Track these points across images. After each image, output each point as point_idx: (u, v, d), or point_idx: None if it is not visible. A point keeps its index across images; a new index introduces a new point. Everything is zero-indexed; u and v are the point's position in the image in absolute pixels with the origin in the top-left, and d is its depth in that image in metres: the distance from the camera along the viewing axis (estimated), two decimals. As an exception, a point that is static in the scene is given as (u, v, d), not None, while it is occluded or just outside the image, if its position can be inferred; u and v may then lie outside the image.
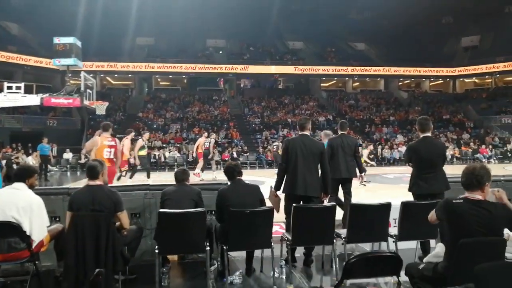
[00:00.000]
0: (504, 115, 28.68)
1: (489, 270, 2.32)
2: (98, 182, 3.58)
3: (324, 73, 34.27)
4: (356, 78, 36.14)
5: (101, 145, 6.39)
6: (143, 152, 11.77)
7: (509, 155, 22.98)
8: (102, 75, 32.92)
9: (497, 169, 16.42)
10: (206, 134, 15.41)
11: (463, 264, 2.63)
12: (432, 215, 3.04)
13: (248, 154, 21.85)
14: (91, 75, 17.21)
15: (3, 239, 3.35)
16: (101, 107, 14.43)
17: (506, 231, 2.91)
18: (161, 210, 3.76)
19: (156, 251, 3.67)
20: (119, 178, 10.39)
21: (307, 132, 4.72)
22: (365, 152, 12.72)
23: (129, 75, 33.80)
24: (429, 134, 4.75)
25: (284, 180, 4.55)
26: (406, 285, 3.14)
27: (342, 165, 5.72)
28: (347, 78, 36.15)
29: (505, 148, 23.80)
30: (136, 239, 4.04)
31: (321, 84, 36.23)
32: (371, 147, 14.23)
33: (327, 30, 35.58)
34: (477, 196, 2.78)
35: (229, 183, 4.22)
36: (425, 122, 4.79)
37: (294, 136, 4.82)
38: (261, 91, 34.65)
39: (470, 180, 2.80)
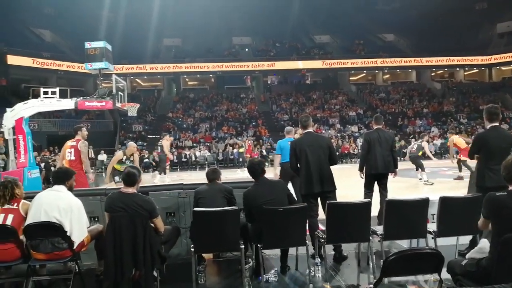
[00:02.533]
0: (545, 103, 27.32)
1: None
2: (130, 190, 3.59)
3: (352, 66, 33.72)
4: (386, 70, 35.35)
5: (65, 146, 6.43)
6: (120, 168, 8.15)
7: (552, 145, 21.85)
8: (132, 77, 33.72)
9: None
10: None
11: (508, 260, 2.51)
12: (481, 220, 2.94)
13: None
14: (122, 77, 17.59)
15: (47, 239, 3.48)
16: (132, 109, 14.73)
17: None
18: (195, 209, 3.80)
19: (192, 249, 3.71)
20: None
21: (310, 129, 4.77)
22: (425, 146, 12.01)
23: (158, 76, 34.46)
24: (497, 123, 4.49)
25: (301, 180, 4.55)
26: (448, 283, 3.02)
27: (379, 160, 5.60)
28: (377, 71, 35.41)
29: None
30: (173, 239, 4.11)
31: (350, 78, 35.67)
32: (426, 138, 13.22)
33: (354, 23, 34.95)
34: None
35: (253, 183, 4.21)
36: (495, 111, 4.52)
37: (300, 136, 4.80)
38: (288, 87, 34.49)
39: None
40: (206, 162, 20.48)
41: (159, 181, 14.09)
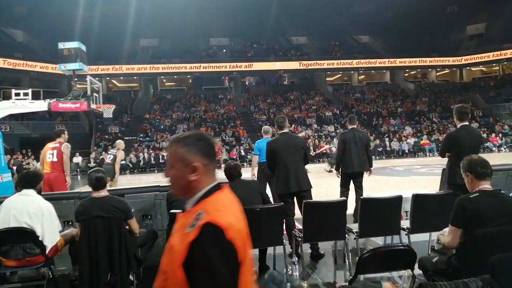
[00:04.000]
0: (512, 103, 28.37)
1: (505, 260, 2.29)
2: (103, 193, 3.51)
3: (329, 67, 34.15)
4: (361, 71, 35.96)
5: (45, 148, 6.37)
6: None
7: (520, 143, 22.72)
8: (107, 78, 33.17)
9: (508, 158, 16.23)
10: None
11: (479, 256, 2.60)
12: (453, 232, 2.72)
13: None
14: (97, 78, 17.29)
15: (18, 244, 3.39)
16: (108, 110, 14.52)
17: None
18: (171, 211, 3.77)
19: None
20: None
21: (286, 130, 4.83)
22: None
23: (134, 77, 33.99)
24: (467, 122, 4.64)
25: (275, 181, 4.60)
26: (421, 278, 3.10)
27: (355, 159, 5.70)
28: (352, 72, 35.98)
29: (515, 136, 23.53)
30: (150, 242, 4.06)
31: (327, 79, 36.09)
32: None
33: (331, 24, 35.40)
34: (488, 186, 2.75)
35: (228, 182, 4.22)
36: (465, 111, 4.67)
37: (276, 136, 4.86)
38: (266, 88, 34.63)
39: (486, 170, 2.76)
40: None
41: None
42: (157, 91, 34.54)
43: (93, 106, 13.67)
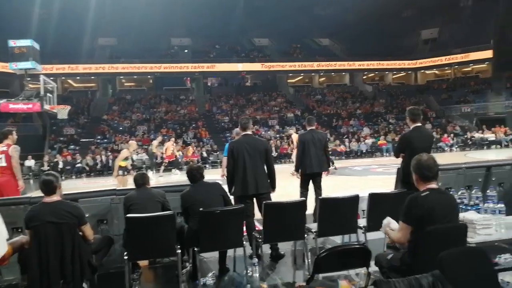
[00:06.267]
0: (463, 105, 29.91)
1: (452, 256, 2.39)
2: (54, 197, 3.35)
3: (290, 69, 34.57)
4: (322, 73, 36.66)
5: None
6: (124, 164, 9.40)
7: (470, 143, 23.97)
8: (63, 78, 31.89)
9: (458, 157, 17.12)
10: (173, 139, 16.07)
11: (429, 252, 2.70)
12: (404, 229, 2.84)
13: (218, 153, 21.73)
14: (51, 78, 16.57)
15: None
16: (62, 111, 14.01)
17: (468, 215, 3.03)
18: (128, 215, 3.67)
19: (125, 257, 3.58)
20: None
21: (249, 132, 4.80)
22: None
23: (92, 77, 32.88)
24: (419, 124, 4.80)
25: (234, 182, 4.59)
26: (377, 275, 3.19)
27: (314, 160, 5.79)
28: (313, 74, 36.62)
29: (465, 136, 24.81)
30: (105, 248, 3.92)
31: (288, 80, 36.51)
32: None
33: (292, 27, 35.85)
34: (434, 185, 2.86)
35: (190, 185, 4.19)
36: (417, 112, 4.84)
37: (237, 138, 4.86)
38: (228, 89, 34.56)
39: (433, 171, 2.87)
40: (144, 166, 19.86)
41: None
42: (116, 92, 33.57)
43: (47, 106, 13.13)
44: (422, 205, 2.75)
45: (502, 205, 3.19)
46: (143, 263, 4.43)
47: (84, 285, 3.39)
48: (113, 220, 4.49)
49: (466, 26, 33.68)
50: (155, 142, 16.14)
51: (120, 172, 9.14)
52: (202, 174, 4.19)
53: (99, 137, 23.90)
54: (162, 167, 16.68)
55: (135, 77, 34.53)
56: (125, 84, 35.88)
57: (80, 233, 3.43)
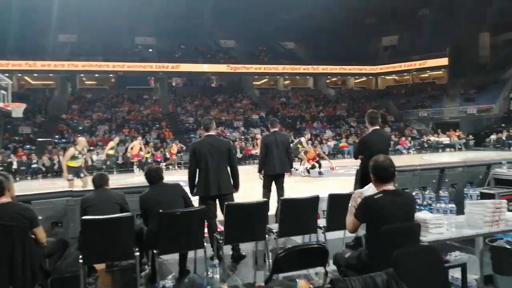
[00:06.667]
0: (421, 109, 31.19)
1: (405, 254, 2.48)
2: (4, 199, 3.19)
3: (256, 71, 34.72)
4: (287, 76, 37.07)
5: None
6: (74, 163, 8.69)
7: (426, 146, 25.00)
8: (19, 74, 30.45)
9: (415, 159, 17.81)
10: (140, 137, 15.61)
11: (384, 251, 2.79)
12: (354, 223, 2.97)
13: (182, 154, 21.47)
14: (6, 74, 15.82)
15: None
16: (17, 109, 13.39)
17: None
18: (84, 217, 3.54)
19: (81, 261, 3.45)
20: None
21: (212, 132, 4.79)
22: (303, 141, 13.43)
23: (50, 74, 31.60)
24: (378, 127, 4.92)
25: (196, 183, 4.56)
26: (335, 274, 3.25)
27: (277, 161, 5.84)
28: (278, 76, 36.96)
29: (422, 140, 25.86)
30: (59, 251, 3.77)
31: (254, 83, 36.67)
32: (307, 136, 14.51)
33: (258, 29, 36.05)
34: (391, 187, 2.95)
35: (149, 186, 4.12)
36: (375, 115, 4.96)
37: (199, 138, 4.84)
38: (194, 89, 34.23)
39: (389, 172, 2.96)
40: (104, 167, 19.28)
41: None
42: (76, 90, 32.41)
43: (0, 104, 12.51)
44: (374, 206, 2.84)
45: (453, 205, 3.34)
46: (100, 266, 4.29)
47: (36, 290, 3.24)
48: (69, 222, 4.33)
49: (424, 35, 35.16)
50: (110, 144, 15.44)
51: (70, 176, 8.44)
52: (161, 175, 4.13)
53: (57, 136, 22.98)
54: (135, 167, 16.31)
55: (97, 75, 33.54)
56: (86, 82, 34.73)
57: (32, 236, 3.28)
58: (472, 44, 35.39)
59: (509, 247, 3.55)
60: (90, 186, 4.36)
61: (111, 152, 14.86)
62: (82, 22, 30.67)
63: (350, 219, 3.04)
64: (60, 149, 20.39)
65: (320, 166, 13.22)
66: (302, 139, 13.48)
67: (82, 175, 8.70)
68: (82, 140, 9.01)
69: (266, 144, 5.90)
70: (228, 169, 4.72)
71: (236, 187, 4.77)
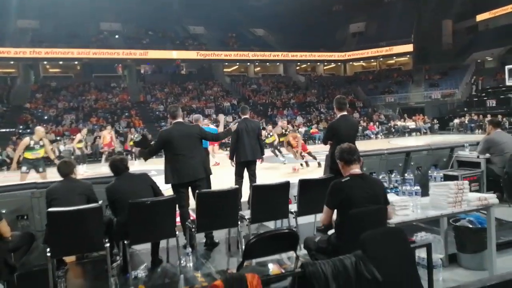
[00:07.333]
0: (388, 95, 31.92)
1: (373, 236, 2.55)
2: None
3: (226, 58, 34.43)
4: (257, 64, 36.97)
5: None
6: (31, 155, 8.06)
7: (393, 130, 25.68)
8: (-23, 62, 28.95)
9: (382, 144, 18.24)
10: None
11: (353, 234, 2.86)
12: (326, 212, 3.05)
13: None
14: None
15: None
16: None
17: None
18: (49, 209, 3.44)
19: (48, 254, 3.37)
20: None
21: (179, 119, 4.73)
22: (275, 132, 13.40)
23: (11, 62, 30.18)
24: (345, 112, 5.00)
25: (170, 170, 4.52)
26: (306, 258, 3.32)
27: (248, 148, 5.86)
28: (248, 64, 36.79)
29: (389, 125, 26.53)
30: (25, 245, 3.66)
31: (224, 70, 36.37)
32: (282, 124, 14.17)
33: (228, 16, 35.66)
34: (358, 170, 3.04)
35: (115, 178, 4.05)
36: (343, 101, 5.06)
37: (169, 126, 4.79)
38: (163, 77, 33.57)
39: (353, 156, 3.05)
40: (72, 157, 18.73)
41: None
42: (40, 78, 31.12)
43: (-44, 93, 11.87)
44: (342, 190, 2.95)
45: (418, 188, 3.45)
46: (70, 259, 4.20)
47: (1, 286, 3.15)
48: (34, 215, 4.20)
49: (391, 22, 35.79)
50: (77, 137, 14.57)
51: (24, 169, 7.90)
52: (127, 166, 4.06)
53: (21, 127, 22.07)
54: (104, 156, 15.76)
55: (61, 63, 32.30)
56: (50, 70, 33.40)
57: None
58: (435, 31, 36.42)
59: (471, 226, 3.73)
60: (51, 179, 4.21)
61: (80, 145, 14.12)
62: (44, 7, 29.31)
63: (322, 214, 3.13)
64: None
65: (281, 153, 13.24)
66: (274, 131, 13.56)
67: (41, 169, 8.04)
68: (39, 130, 8.34)
69: (236, 131, 5.90)
70: (199, 154, 4.68)
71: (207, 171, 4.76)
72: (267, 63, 37.46)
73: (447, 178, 4.56)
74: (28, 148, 7.88)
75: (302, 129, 24.08)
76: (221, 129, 5.91)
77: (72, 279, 3.88)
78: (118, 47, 31.49)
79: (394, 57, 37.27)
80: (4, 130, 21.61)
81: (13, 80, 30.12)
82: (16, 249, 3.48)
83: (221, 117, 7.04)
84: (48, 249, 3.39)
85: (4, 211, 3.79)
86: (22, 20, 30.98)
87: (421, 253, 3.21)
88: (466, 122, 24.80)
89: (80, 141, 14.16)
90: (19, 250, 3.54)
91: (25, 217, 4.17)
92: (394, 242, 2.65)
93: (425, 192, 3.59)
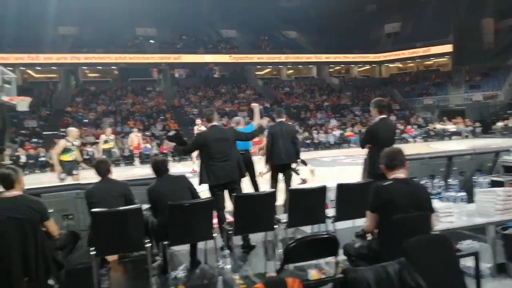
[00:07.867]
0: (425, 97, 30.94)
1: (417, 243, 2.48)
2: (15, 192, 3.21)
3: (258, 61, 34.50)
4: (289, 66, 36.84)
5: None
6: (68, 157, 8.07)
7: (432, 134, 24.85)
8: (22, 68, 30.41)
9: (422, 148, 17.73)
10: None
11: (395, 240, 2.79)
12: (370, 218, 2.99)
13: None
14: (10, 68, 15.82)
15: None
16: (22, 103, 13.39)
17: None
18: (93, 210, 3.57)
19: (92, 253, 3.49)
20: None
21: (215, 123, 4.81)
22: None
23: (53, 68, 31.58)
24: (385, 115, 4.90)
25: (206, 172, 4.60)
26: (346, 264, 3.27)
27: (283, 151, 5.86)
28: (281, 66, 36.73)
29: (427, 128, 25.71)
30: (71, 244, 3.81)
31: (256, 73, 36.49)
32: None
33: (260, 19, 35.78)
34: (401, 175, 2.96)
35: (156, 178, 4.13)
36: (383, 104, 4.94)
37: (205, 129, 4.85)
38: (197, 80, 34.15)
39: (396, 160, 2.98)
40: (111, 159, 19.33)
41: None
42: (79, 83, 32.42)
43: (5, 98, 12.55)
44: (383, 194, 2.87)
45: (464, 194, 3.33)
46: (112, 258, 4.34)
47: (51, 281, 3.28)
48: (79, 214, 4.37)
49: (427, 21, 34.75)
50: (102, 137, 13.57)
51: (63, 175, 7.75)
52: (167, 167, 4.15)
53: (63, 130, 23.05)
54: (137, 159, 16.22)
55: (99, 68, 33.49)
56: (89, 75, 34.72)
57: (44, 229, 3.31)
58: (475, 30, 34.99)
59: (521, 235, 3.56)
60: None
61: (106, 146, 13.63)
62: (83, 14, 30.52)
63: (366, 220, 3.07)
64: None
65: None
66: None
67: (75, 172, 7.95)
68: (72, 130, 8.19)
69: (271, 134, 5.92)
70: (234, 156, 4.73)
71: (242, 173, 4.81)
72: (300, 66, 37.25)
73: (493, 184, 4.36)
74: (65, 150, 7.85)
75: (337, 132, 23.78)
76: (256, 121, 5.48)
77: (114, 278, 4.00)
78: (153, 51, 32.31)
79: (432, 58, 36.10)
80: (47, 132, 22.63)
81: (55, 85, 31.49)
82: (63, 247, 3.63)
83: (255, 106, 5.80)
84: (92, 248, 3.51)
85: (51, 211, 3.96)
86: (62, 27, 32.38)
87: (467, 262, 3.10)
88: (510, 125, 23.67)
89: (105, 142, 13.71)
90: (65, 248, 3.69)
91: (70, 217, 4.35)
92: (439, 250, 2.57)
93: (469, 199, 3.46)
